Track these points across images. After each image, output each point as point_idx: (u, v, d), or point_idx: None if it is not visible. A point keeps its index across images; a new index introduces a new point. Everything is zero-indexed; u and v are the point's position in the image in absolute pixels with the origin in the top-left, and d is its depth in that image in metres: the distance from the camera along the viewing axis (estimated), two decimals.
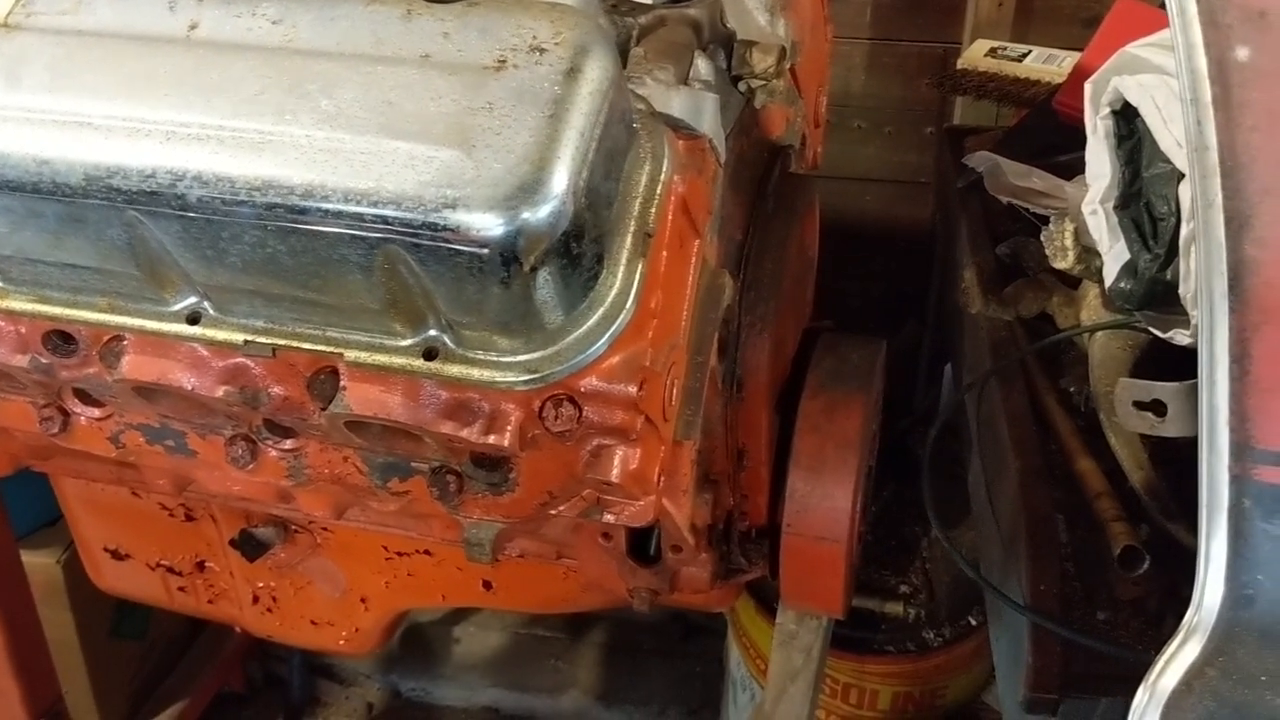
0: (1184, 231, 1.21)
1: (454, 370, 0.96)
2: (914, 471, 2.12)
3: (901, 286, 2.57)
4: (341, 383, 1.00)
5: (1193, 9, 0.95)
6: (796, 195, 1.36)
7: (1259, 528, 0.94)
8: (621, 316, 0.96)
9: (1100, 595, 1.24)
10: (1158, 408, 1.20)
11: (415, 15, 0.93)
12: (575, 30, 0.90)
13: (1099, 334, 1.42)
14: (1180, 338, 1.25)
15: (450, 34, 0.92)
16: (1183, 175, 1.23)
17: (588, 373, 0.97)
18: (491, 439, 0.99)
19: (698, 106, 1.08)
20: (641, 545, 1.29)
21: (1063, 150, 1.75)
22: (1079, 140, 1.71)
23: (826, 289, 2.43)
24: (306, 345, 0.99)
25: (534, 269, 0.88)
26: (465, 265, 0.87)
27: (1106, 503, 1.27)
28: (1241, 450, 0.94)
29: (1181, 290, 1.22)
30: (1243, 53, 0.94)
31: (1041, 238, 1.42)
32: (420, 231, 0.86)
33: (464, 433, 1.00)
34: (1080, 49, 2.12)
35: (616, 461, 1.03)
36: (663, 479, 1.08)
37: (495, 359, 0.95)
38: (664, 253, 1.02)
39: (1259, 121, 0.94)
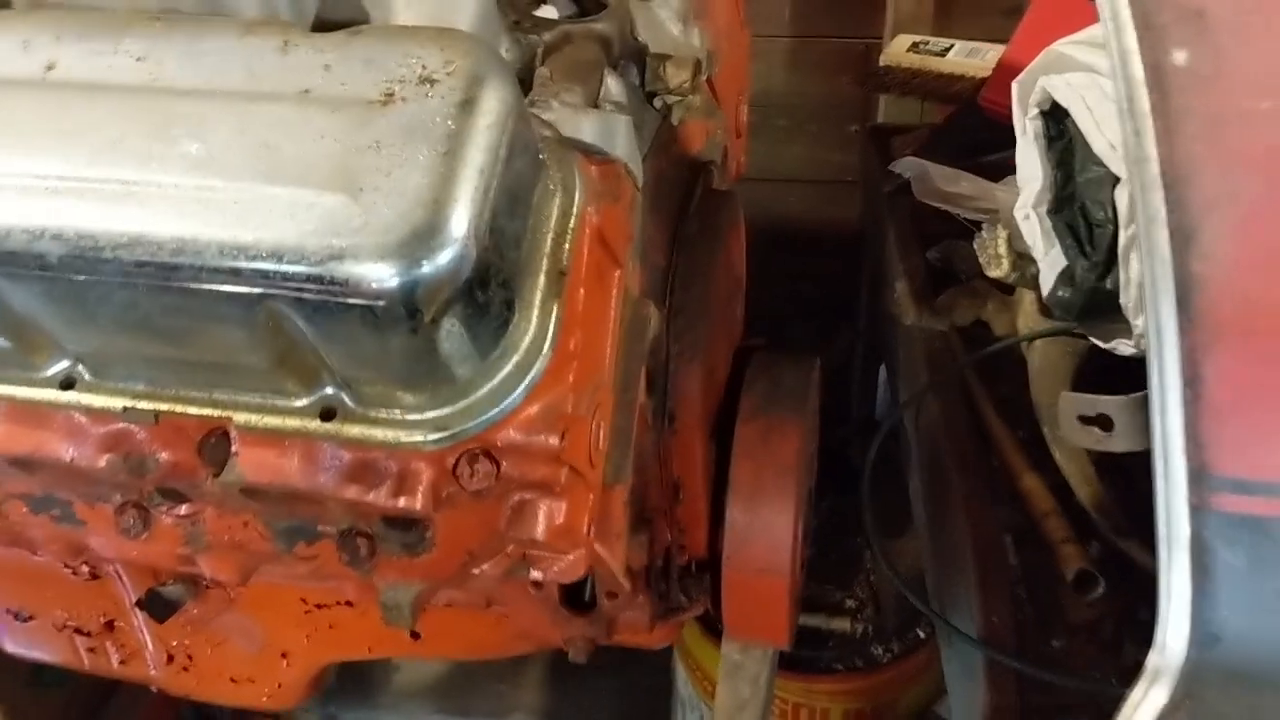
0: (1122, 238, 1.17)
1: (354, 431, 0.88)
2: (854, 482, 2.07)
3: (830, 288, 2.52)
4: (234, 447, 0.92)
5: (1125, 12, 0.89)
6: (721, 213, 1.29)
7: (1222, 560, 0.89)
8: (538, 364, 0.88)
9: (1054, 620, 1.20)
10: (1104, 422, 1.15)
11: (293, 47, 0.85)
12: (468, 58, 0.83)
13: (1037, 342, 1.37)
14: (1123, 348, 1.21)
15: (332, 66, 0.84)
16: (1118, 179, 1.19)
17: (504, 425, 0.90)
18: (402, 502, 0.92)
19: (610, 129, 1.01)
20: (575, 592, 1.22)
21: (991, 149, 1.70)
22: (1007, 138, 1.67)
23: (754, 294, 2.38)
24: (193, 409, 0.91)
25: (436, 320, 0.80)
26: (358, 320, 0.79)
27: (1055, 522, 1.22)
28: (1199, 478, 0.89)
29: (1122, 299, 1.17)
30: (1180, 56, 0.89)
31: (974, 245, 1.37)
32: (305, 286, 0.78)
33: (371, 497, 0.92)
34: (1003, 41, 2.08)
35: (541, 517, 0.96)
36: (593, 527, 1.01)
37: (400, 417, 0.87)
38: (581, 290, 0.95)
39: (1200, 130, 0.89)
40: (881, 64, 2.08)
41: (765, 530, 1.27)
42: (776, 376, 1.34)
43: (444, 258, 0.78)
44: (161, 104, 0.83)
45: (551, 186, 0.92)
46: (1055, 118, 1.32)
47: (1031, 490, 1.27)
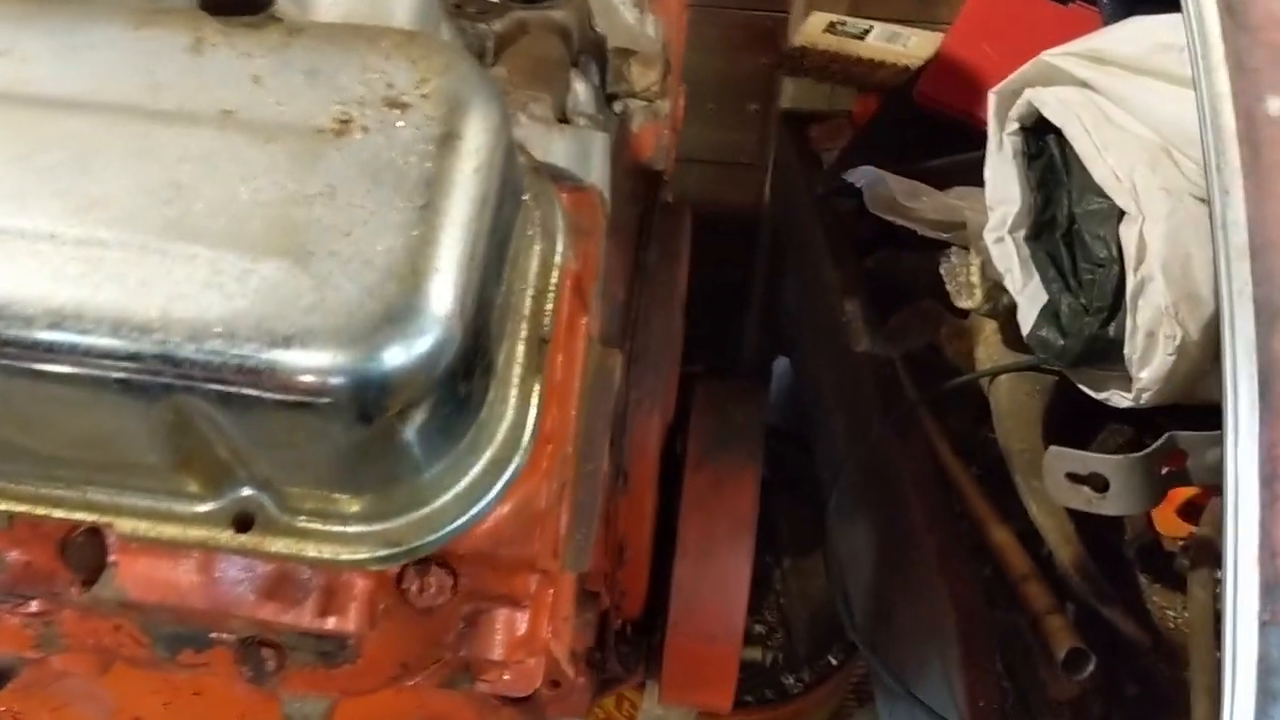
0: (1130, 282, 1.05)
1: (278, 546, 0.68)
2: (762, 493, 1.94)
3: (725, 273, 2.37)
4: (111, 556, 0.71)
5: (1219, 50, 0.76)
6: (676, 231, 1.12)
7: None
8: (516, 458, 0.70)
9: (1035, 698, 1.09)
10: (1096, 482, 1.04)
11: (208, 47, 0.64)
12: (446, 75, 0.64)
13: (1002, 377, 1.26)
14: (1119, 400, 1.10)
15: (263, 78, 0.63)
16: (1123, 213, 1.07)
17: (470, 533, 0.72)
18: (330, 623, 0.73)
19: (585, 149, 0.83)
20: None
21: (929, 149, 1.57)
22: (946, 139, 1.54)
23: None
24: (59, 512, 0.69)
25: (401, 418, 0.61)
26: (299, 419, 0.60)
27: (1035, 589, 1.11)
28: (1271, 591, 0.78)
29: (1127, 350, 1.06)
30: (1275, 104, 0.77)
31: (942, 272, 1.24)
32: (231, 378, 0.58)
33: (290, 618, 0.73)
34: (916, 22, 1.96)
35: (499, 631, 0.78)
36: (548, 627, 0.85)
37: (339, 529, 0.68)
38: (560, 355, 0.78)
39: None
40: (796, 44, 1.93)
41: (717, 593, 1.13)
42: (727, 413, 1.19)
43: (422, 345, 0.59)
44: (31, 119, 0.61)
45: (530, 231, 0.73)
46: (1036, 134, 1.19)
47: (1004, 546, 1.16)
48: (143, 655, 0.85)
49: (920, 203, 1.33)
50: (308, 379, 0.57)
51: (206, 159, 0.60)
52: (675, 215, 1.14)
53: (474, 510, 0.69)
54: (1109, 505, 1.04)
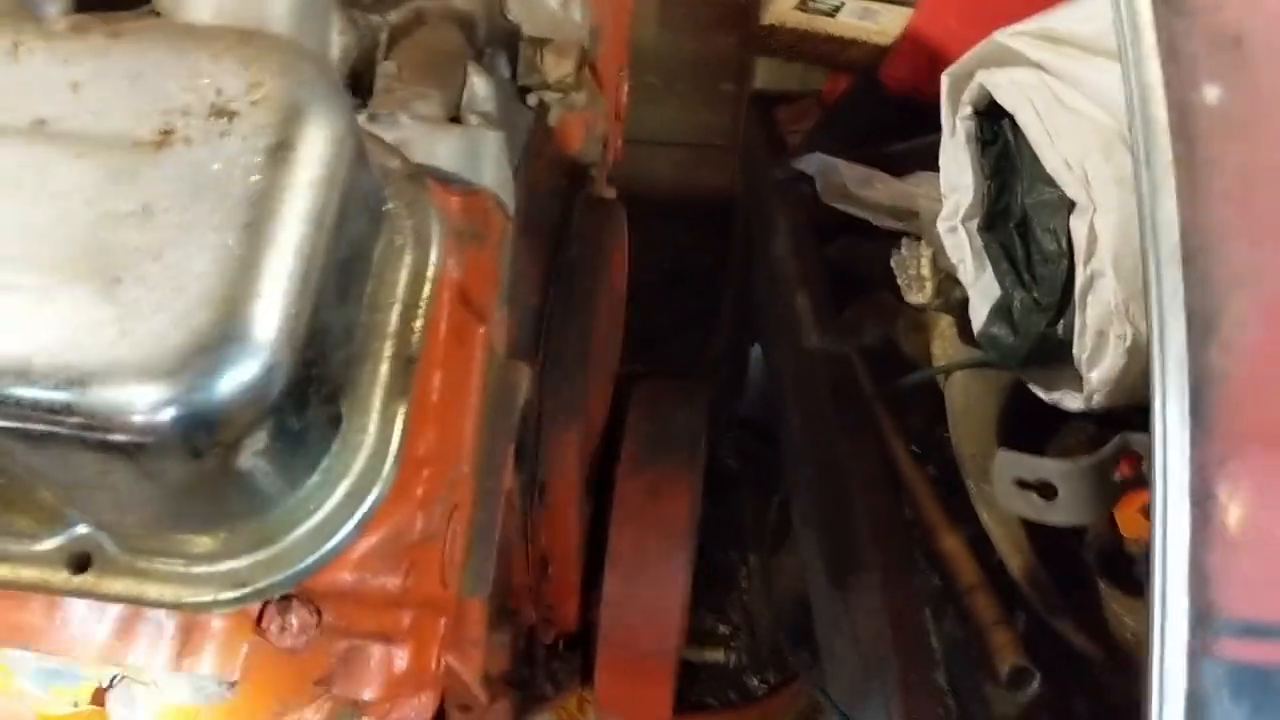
0: (1080, 276, 0.99)
1: (117, 587, 0.63)
2: (725, 488, 1.89)
3: (700, 258, 2.31)
4: None
5: (1149, 36, 0.70)
6: (604, 228, 1.07)
7: (1224, 715, 0.73)
8: (376, 488, 0.65)
9: (979, 715, 1.03)
10: (1045, 489, 0.99)
11: (25, 53, 0.59)
12: (283, 78, 0.58)
13: (956, 375, 1.20)
14: (1070, 401, 1.04)
15: (82, 85, 0.58)
16: (1073, 204, 1.01)
17: (330, 568, 0.67)
18: (185, 665, 0.68)
19: (476, 149, 0.78)
20: None
21: (896, 134, 1.51)
22: (914, 122, 1.48)
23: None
24: None
25: (230, 452, 0.56)
26: (109, 460, 0.55)
27: (983, 600, 1.06)
28: (1203, 620, 0.72)
29: (1076, 349, 1.00)
30: (1212, 93, 0.71)
31: (892, 264, 1.18)
32: (30, 417, 0.53)
33: (144, 659, 0.69)
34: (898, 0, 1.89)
35: (375, 668, 0.73)
36: (444, 659, 0.80)
37: (182, 569, 0.63)
38: (437, 373, 0.72)
39: (1231, 186, 0.71)
40: (765, 22, 1.86)
41: (649, 607, 1.08)
42: (664, 416, 1.14)
43: (241, 377, 0.54)
44: None
45: (398, 242, 0.68)
46: (991, 118, 1.13)
47: (954, 554, 1.10)
48: (14, 689, 0.80)
49: (874, 190, 1.27)
50: (110, 417, 0.52)
51: (10, 175, 0.55)
52: (602, 211, 1.09)
53: (328, 546, 0.64)
54: (1057, 513, 0.99)
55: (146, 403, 0.52)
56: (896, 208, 1.25)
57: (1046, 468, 0.99)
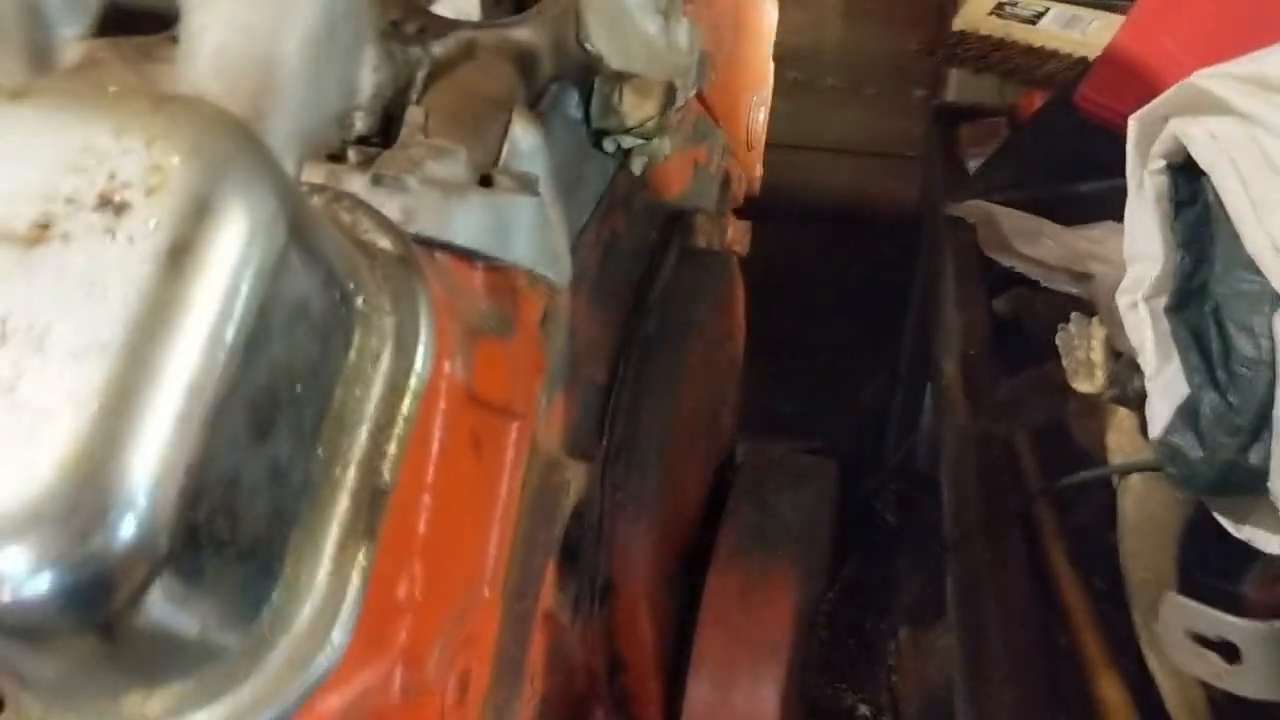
0: None
1: None
2: (882, 546, 1.72)
3: (881, 278, 2.13)
4: None
5: None
6: (700, 291, 0.92)
7: None
8: (327, 648, 0.53)
9: None
10: (1227, 650, 0.80)
11: None
12: (192, 160, 0.46)
13: (1134, 478, 1.00)
14: (1268, 543, 0.84)
15: None
16: None
17: None
18: None
19: (502, 220, 0.65)
20: None
21: (1088, 169, 1.30)
22: (1112, 156, 1.27)
23: (790, 282, 2.00)
24: None
25: (110, 626, 0.46)
26: None
27: None
28: None
29: (1272, 483, 0.80)
30: None
31: (1058, 344, 1.00)
32: None
33: None
34: (1103, 4, 1.66)
35: None
36: None
37: None
38: (426, 496, 0.60)
39: None
40: (956, 28, 1.67)
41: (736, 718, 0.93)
42: (770, 503, 0.99)
43: (94, 545, 0.43)
44: None
45: (375, 345, 0.56)
46: (1188, 174, 0.93)
47: (1112, 706, 0.92)
48: None
49: (1041, 246, 1.08)
50: None
51: None
52: (702, 266, 0.94)
53: (265, 716, 0.53)
54: (1240, 684, 0.80)
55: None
56: (1067, 269, 1.06)
57: (1228, 626, 0.80)
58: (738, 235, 1.11)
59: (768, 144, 1.26)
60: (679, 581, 0.96)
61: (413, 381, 0.56)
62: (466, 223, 0.63)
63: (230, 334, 0.46)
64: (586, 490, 0.79)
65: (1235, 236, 0.83)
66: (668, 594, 0.93)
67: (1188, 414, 0.88)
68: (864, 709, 1.56)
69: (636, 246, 0.88)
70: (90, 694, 0.51)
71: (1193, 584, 0.95)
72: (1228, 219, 0.84)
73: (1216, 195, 0.89)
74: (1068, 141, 1.37)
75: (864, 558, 1.71)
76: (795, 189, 2.07)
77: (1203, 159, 0.87)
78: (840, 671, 1.63)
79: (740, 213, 1.19)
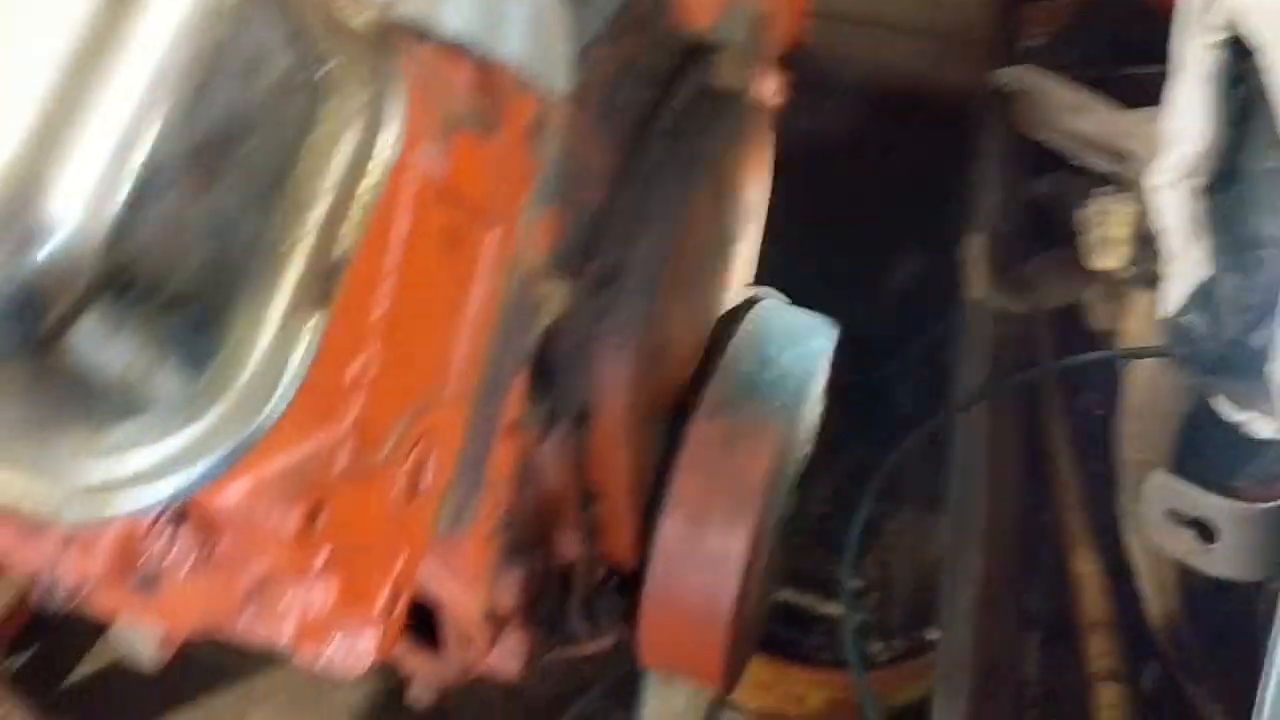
0: None
1: None
2: (892, 429, 1.70)
3: (935, 167, 2.07)
4: None
5: None
6: (714, 125, 0.90)
7: None
8: (264, 412, 0.54)
9: None
10: (1204, 530, 0.79)
11: None
12: None
13: (1143, 363, 0.98)
14: (1262, 427, 0.82)
15: None
16: None
17: (217, 489, 0.57)
18: (65, 564, 0.61)
19: (494, 13, 0.63)
20: (423, 618, 0.91)
21: (1144, 52, 1.25)
22: (1167, 40, 1.21)
23: (838, 168, 1.94)
24: None
25: (38, 349, 0.46)
26: None
27: (1103, 643, 0.87)
28: None
29: (1269, 367, 0.78)
30: None
31: (1078, 219, 0.96)
32: None
33: (27, 553, 0.61)
34: None
35: (285, 607, 0.64)
36: (402, 593, 0.70)
37: (30, 469, 0.54)
38: (389, 280, 0.60)
39: None
40: None
41: (704, 565, 0.94)
42: (764, 354, 0.98)
43: (36, 257, 0.43)
44: None
45: (339, 120, 0.55)
46: (1236, 52, 0.88)
47: (1084, 580, 0.91)
48: None
49: (1084, 120, 1.03)
50: None
51: None
52: (718, 105, 0.91)
53: (190, 474, 0.53)
54: (1212, 562, 0.79)
55: None
56: (1105, 146, 1.02)
57: (1208, 504, 0.79)
58: (770, 86, 1.08)
59: (823, 14, 1.21)
60: (663, 424, 0.96)
61: (378, 161, 0.55)
62: (456, 10, 0.61)
63: (176, 69, 0.45)
64: (568, 309, 0.78)
65: (1271, 118, 0.80)
66: (648, 432, 0.93)
67: (1203, 295, 0.86)
68: (854, 581, 1.57)
69: (653, 76, 0.86)
70: (22, 429, 0.52)
71: (1185, 475, 0.93)
72: (1269, 96, 0.80)
73: (1263, 73, 0.85)
74: (1127, 24, 1.31)
75: (869, 440, 1.70)
76: (849, 64, 2.01)
77: (1256, 34, 0.83)
78: (835, 545, 1.63)
79: (785, 71, 1.15)
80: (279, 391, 0.53)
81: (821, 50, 1.27)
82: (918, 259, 2.11)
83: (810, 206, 1.30)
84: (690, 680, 1.10)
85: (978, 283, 1.08)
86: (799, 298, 1.27)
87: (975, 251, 1.10)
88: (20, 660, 2.10)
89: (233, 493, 0.57)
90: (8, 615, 1.96)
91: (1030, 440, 1.02)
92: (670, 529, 0.94)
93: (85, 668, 2.11)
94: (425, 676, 0.95)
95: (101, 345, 0.48)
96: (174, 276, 0.48)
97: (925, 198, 2.12)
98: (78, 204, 0.44)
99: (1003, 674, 0.86)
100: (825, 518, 1.58)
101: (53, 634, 1.64)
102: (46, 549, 0.62)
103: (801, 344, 1.00)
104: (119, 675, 2.06)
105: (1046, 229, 1.19)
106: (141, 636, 0.77)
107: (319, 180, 0.54)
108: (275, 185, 0.52)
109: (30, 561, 0.62)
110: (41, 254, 0.44)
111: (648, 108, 0.85)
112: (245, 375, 0.53)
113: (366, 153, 0.55)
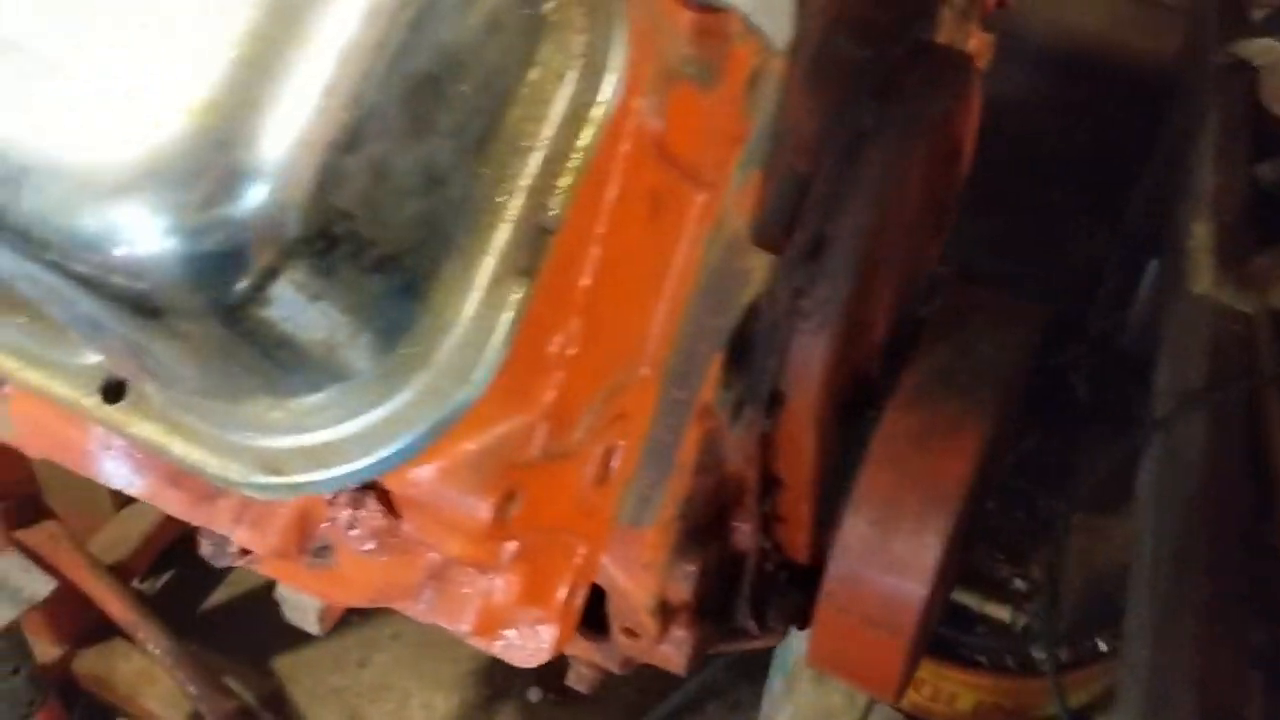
0: None
1: (145, 430, 0.51)
2: (1072, 420, 1.60)
3: (1120, 135, 1.94)
4: (6, 386, 0.58)
5: None
6: (936, 84, 0.81)
7: None
8: (467, 389, 0.48)
9: None
10: None
11: None
12: None
13: None
14: None
15: None
16: None
17: (406, 468, 0.52)
18: (239, 533, 0.57)
19: None
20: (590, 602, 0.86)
21: None
22: None
23: (1022, 124, 1.83)
24: None
25: (232, 311, 0.42)
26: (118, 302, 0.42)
27: None
28: None
29: None
30: None
31: None
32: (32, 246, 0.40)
33: (198, 514, 0.57)
34: None
35: (467, 596, 0.59)
36: (578, 589, 0.65)
37: (215, 433, 0.50)
38: (596, 248, 0.54)
39: None
40: None
41: (891, 569, 0.87)
42: (966, 343, 0.90)
43: (225, 204, 0.39)
44: None
45: (559, 62, 0.49)
46: None
47: None
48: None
49: None
50: (48, 238, 0.39)
51: None
52: (936, 64, 0.83)
53: (386, 452, 0.48)
54: None
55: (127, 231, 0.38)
56: None
57: None
58: (981, 47, 0.99)
59: None
60: (849, 411, 0.89)
61: (597, 111, 0.50)
62: None
63: (394, 2, 0.40)
64: (767, 285, 0.72)
65: None
66: (835, 419, 0.86)
67: None
68: (1019, 583, 1.48)
69: (866, 30, 0.78)
70: (210, 392, 0.48)
71: None
72: None
73: None
74: None
75: (1047, 431, 1.60)
76: (1033, 26, 1.90)
77: None
78: (1002, 543, 1.54)
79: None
80: (482, 367, 0.48)
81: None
82: (1098, 238, 1.99)
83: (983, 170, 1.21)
84: (861, 687, 1.03)
85: (1202, 276, 0.98)
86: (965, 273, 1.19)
87: (1201, 241, 1.00)
88: (158, 584, 2.18)
89: (422, 474, 0.52)
90: (146, 541, 2.03)
91: (1249, 455, 0.92)
92: (854, 527, 0.87)
93: (218, 595, 2.18)
94: (588, 662, 0.91)
95: (302, 307, 0.43)
96: (381, 235, 0.43)
97: (1108, 171, 2.00)
98: (284, 146, 0.39)
99: (1224, 717, 0.77)
100: (988, 512, 1.48)
101: (188, 561, 1.66)
102: (223, 515, 0.58)
103: (1001, 333, 0.92)
104: (249, 605, 2.11)
105: (1274, 219, 1.08)
106: (305, 602, 0.74)
107: (535, 128, 0.48)
108: (488, 134, 0.47)
109: (205, 523, 0.59)
110: (244, 202, 0.39)
111: (860, 65, 0.77)
112: (447, 348, 0.48)
113: (586, 100, 0.49)
